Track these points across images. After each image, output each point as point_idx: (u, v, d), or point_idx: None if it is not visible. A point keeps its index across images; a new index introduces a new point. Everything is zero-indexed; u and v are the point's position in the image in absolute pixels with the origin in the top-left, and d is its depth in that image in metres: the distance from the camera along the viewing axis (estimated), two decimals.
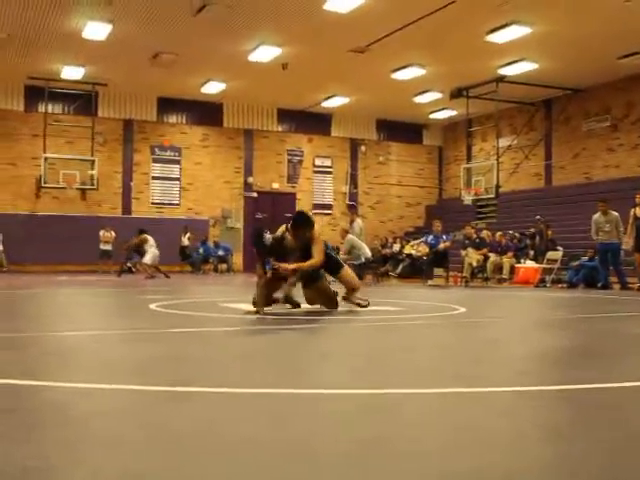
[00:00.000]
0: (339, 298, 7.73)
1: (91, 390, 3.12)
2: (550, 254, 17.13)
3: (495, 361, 4.40)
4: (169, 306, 7.50)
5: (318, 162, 27.67)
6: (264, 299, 7.01)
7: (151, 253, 18.85)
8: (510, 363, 4.32)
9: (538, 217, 18.94)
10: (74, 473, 1.94)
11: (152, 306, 7.84)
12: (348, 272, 7.95)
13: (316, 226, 7.44)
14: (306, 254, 7.17)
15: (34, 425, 2.47)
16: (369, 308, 7.84)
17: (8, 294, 11.16)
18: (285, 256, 7.11)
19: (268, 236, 6.97)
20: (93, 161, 23.41)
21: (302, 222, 7.23)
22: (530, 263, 17.67)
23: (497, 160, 23.14)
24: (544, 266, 16.99)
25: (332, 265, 7.70)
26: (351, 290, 7.92)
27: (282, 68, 20.52)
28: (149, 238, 19.10)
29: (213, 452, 2.12)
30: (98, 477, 1.90)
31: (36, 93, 23.18)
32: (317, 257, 7.21)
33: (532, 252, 18.41)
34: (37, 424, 2.49)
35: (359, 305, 7.76)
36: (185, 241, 23.46)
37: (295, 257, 7.09)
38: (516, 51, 19.22)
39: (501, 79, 21.62)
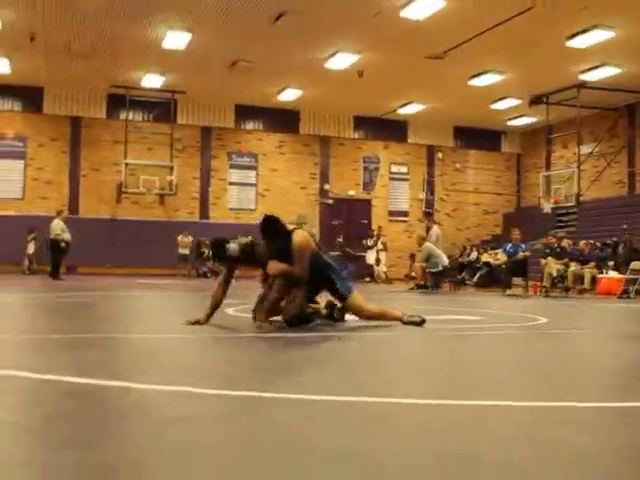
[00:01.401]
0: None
1: (176, 393, 3.13)
2: (634, 264, 16.58)
3: (580, 374, 4.25)
4: (245, 310, 7.52)
5: (394, 169, 27.54)
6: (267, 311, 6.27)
7: None
8: (596, 377, 4.17)
9: (625, 226, 18.39)
10: (164, 476, 1.93)
11: (229, 310, 7.89)
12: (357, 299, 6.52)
13: (300, 236, 6.22)
14: (286, 260, 6.14)
15: (121, 427, 2.49)
16: (448, 317, 7.71)
17: (91, 296, 11.42)
18: (258, 263, 6.44)
19: (234, 246, 6.13)
20: (172, 167, 23.86)
21: (266, 228, 6.14)
22: (613, 273, 17.15)
23: (578, 168, 22.59)
24: (627, 277, 16.47)
25: (337, 292, 6.45)
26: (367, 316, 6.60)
27: (358, 75, 20.49)
28: None
29: (299, 463, 2.09)
30: None
31: (118, 101, 23.78)
32: (300, 270, 6.11)
33: (613, 262, 17.87)
34: (124, 426, 2.51)
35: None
36: None
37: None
38: (598, 56, 18.75)
39: (582, 85, 21.12)
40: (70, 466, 1.96)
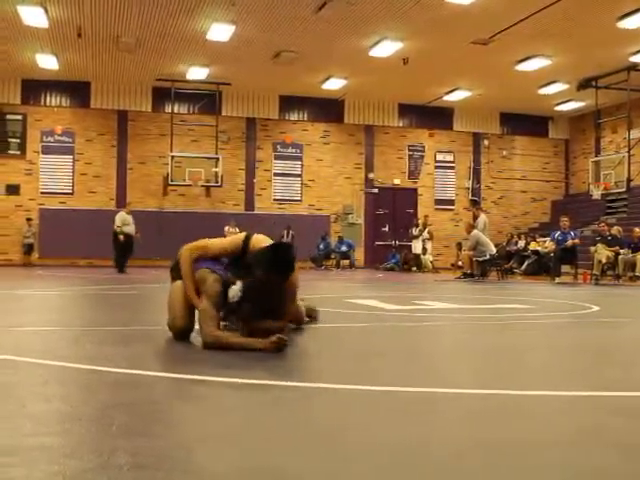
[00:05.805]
0: None
1: (224, 384, 3.14)
2: None
3: (634, 364, 4.17)
4: None
5: (440, 157, 27.29)
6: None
7: None
8: None
9: None
10: (217, 466, 1.94)
11: None
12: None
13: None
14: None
15: (172, 417, 2.50)
16: (497, 306, 7.62)
17: (140, 288, 11.54)
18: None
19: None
20: (217, 159, 23.96)
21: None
22: None
23: (628, 153, 22.14)
24: None
25: None
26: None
27: (403, 63, 20.33)
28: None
29: (342, 451, 2.08)
30: (238, 470, 1.89)
31: (163, 94, 23.97)
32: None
33: None
34: (175, 416, 2.52)
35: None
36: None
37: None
38: None
39: (633, 67, 20.64)
40: (125, 453, 1.98)
